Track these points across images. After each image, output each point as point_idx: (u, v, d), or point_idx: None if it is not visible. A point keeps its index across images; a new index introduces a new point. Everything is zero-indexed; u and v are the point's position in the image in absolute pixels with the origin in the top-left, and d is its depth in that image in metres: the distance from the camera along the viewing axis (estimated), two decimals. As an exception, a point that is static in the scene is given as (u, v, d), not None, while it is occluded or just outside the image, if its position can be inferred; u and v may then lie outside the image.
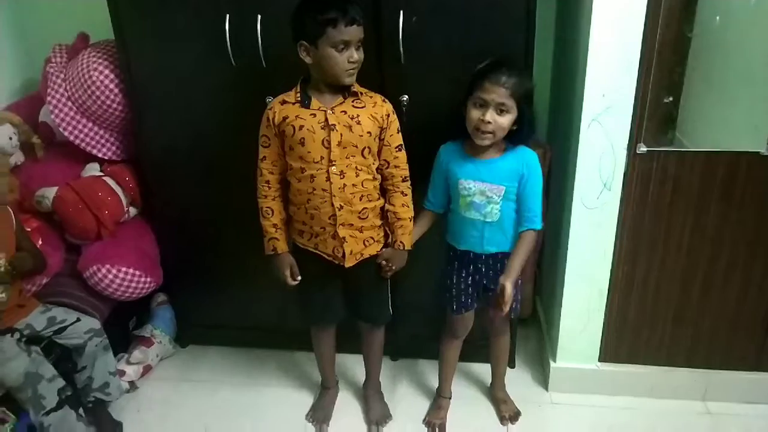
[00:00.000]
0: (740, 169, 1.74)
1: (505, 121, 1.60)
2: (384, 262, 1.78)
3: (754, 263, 1.86)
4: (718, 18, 1.65)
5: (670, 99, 1.72)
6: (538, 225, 1.71)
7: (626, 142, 1.75)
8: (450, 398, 2.08)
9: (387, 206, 1.75)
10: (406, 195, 1.75)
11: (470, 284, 1.83)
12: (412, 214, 1.77)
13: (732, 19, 1.66)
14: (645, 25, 1.61)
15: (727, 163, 1.74)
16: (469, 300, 1.85)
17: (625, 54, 1.65)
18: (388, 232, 1.79)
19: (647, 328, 2.00)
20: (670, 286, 1.93)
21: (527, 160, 1.68)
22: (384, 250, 1.79)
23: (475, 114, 1.61)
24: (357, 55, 1.56)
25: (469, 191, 1.69)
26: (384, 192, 1.76)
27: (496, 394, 2.10)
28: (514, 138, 1.67)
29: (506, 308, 1.63)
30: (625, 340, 2.03)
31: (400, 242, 1.76)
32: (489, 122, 1.58)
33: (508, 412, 2.04)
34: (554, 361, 2.11)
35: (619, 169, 1.79)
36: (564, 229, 1.94)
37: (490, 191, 1.68)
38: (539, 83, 1.85)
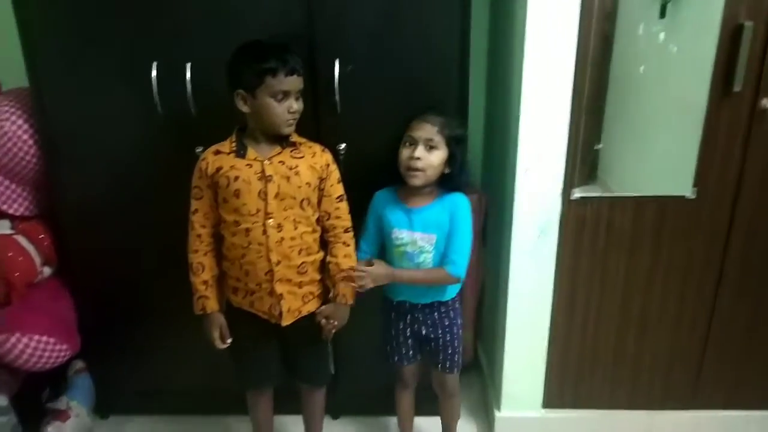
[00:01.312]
0: (668, 212, 1.80)
1: (435, 158, 1.62)
2: (324, 320, 1.69)
3: (684, 303, 1.91)
4: (641, 68, 1.73)
5: (601, 146, 1.78)
6: (457, 271, 1.66)
7: (560, 188, 1.79)
8: None
9: (329, 258, 1.69)
10: (348, 246, 1.70)
11: (409, 336, 1.79)
12: (355, 265, 1.71)
13: (646, 65, 1.73)
14: (575, 74, 1.67)
15: (656, 206, 1.80)
16: (410, 352, 1.82)
17: (557, 102, 1.70)
18: (329, 286, 1.71)
19: (588, 372, 2.01)
20: (608, 329, 1.95)
21: (455, 203, 1.67)
22: (323, 307, 1.70)
23: (405, 153, 1.63)
24: (296, 105, 1.52)
25: (402, 241, 1.68)
26: (325, 244, 1.70)
27: None
28: (447, 183, 1.68)
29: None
30: (568, 384, 2.03)
31: (343, 295, 1.68)
32: (419, 158, 1.60)
33: None
34: (498, 410, 2.08)
35: (554, 215, 1.82)
36: (503, 275, 1.94)
37: (422, 240, 1.67)
38: (473, 131, 1.88)
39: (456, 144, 1.63)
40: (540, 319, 1.93)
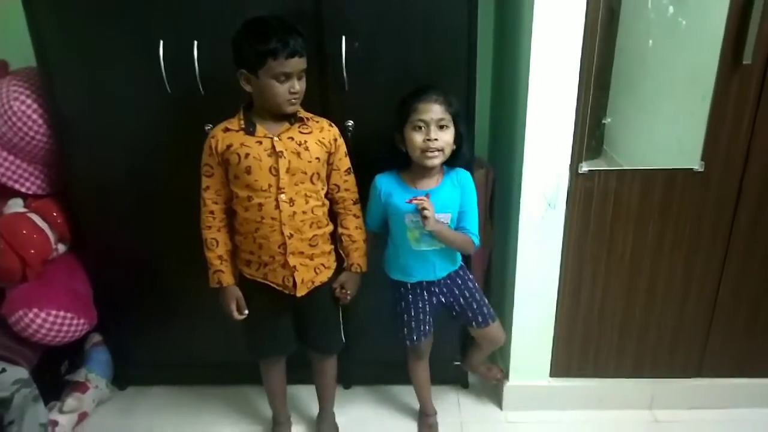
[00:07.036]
0: (676, 185, 1.81)
1: (449, 137, 1.63)
2: (339, 288, 1.76)
3: (692, 275, 1.93)
4: (647, 41, 1.72)
5: (609, 120, 1.77)
6: (478, 242, 1.74)
7: (568, 161, 1.79)
8: (436, 414, 2.06)
9: (340, 230, 1.73)
10: (358, 217, 1.74)
11: (427, 311, 1.83)
12: (365, 236, 1.76)
13: (652, 38, 1.72)
14: (583, 46, 1.66)
15: (664, 179, 1.81)
16: (427, 327, 1.85)
17: (565, 76, 1.69)
18: (343, 256, 1.76)
19: (595, 342, 2.05)
20: (615, 300, 1.98)
21: (463, 179, 1.72)
22: (339, 276, 1.77)
23: (418, 137, 1.62)
24: (299, 85, 1.52)
25: (418, 224, 1.67)
26: (334, 216, 1.74)
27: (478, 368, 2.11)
28: (453, 160, 1.70)
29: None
30: (575, 354, 2.07)
31: (357, 264, 1.75)
32: (436, 139, 1.60)
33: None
34: (507, 378, 2.12)
35: (562, 188, 1.82)
36: (511, 248, 1.96)
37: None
38: (480, 106, 1.88)
39: (459, 119, 1.65)
40: (548, 290, 1.96)
